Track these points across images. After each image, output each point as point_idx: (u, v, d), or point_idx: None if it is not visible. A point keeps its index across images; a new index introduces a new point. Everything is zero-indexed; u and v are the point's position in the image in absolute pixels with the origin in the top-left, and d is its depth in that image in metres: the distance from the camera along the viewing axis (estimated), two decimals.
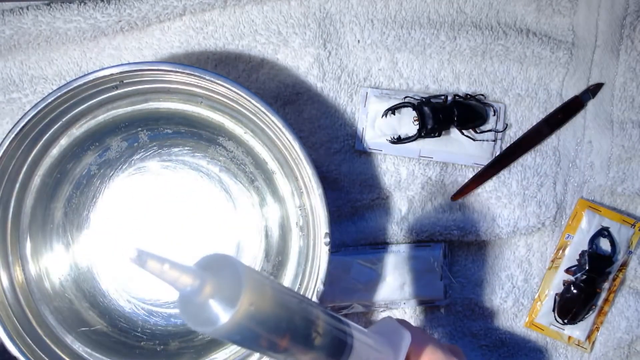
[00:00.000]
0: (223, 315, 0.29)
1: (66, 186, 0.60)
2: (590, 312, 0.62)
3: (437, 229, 0.62)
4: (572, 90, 0.63)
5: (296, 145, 0.54)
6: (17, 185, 0.57)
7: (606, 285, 0.62)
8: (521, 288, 0.64)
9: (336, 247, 0.63)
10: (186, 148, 0.61)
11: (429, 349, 0.42)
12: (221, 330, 0.29)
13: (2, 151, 0.53)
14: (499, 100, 0.63)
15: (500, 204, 0.63)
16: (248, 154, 0.61)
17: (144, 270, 0.28)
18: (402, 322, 0.44)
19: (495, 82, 0.63)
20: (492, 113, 0.63)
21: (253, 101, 0.54)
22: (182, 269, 0.29)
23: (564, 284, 0.62)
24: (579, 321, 0.62)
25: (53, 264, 0.60)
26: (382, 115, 0.61)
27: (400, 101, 0.61)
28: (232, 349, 0.58)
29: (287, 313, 0.33)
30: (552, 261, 0.63)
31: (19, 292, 0.57)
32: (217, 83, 0.54)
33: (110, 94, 0.57)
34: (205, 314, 0.29)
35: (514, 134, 0.63)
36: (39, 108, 0.53)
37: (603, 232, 0.62)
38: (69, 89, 0.53)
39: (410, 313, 0.64)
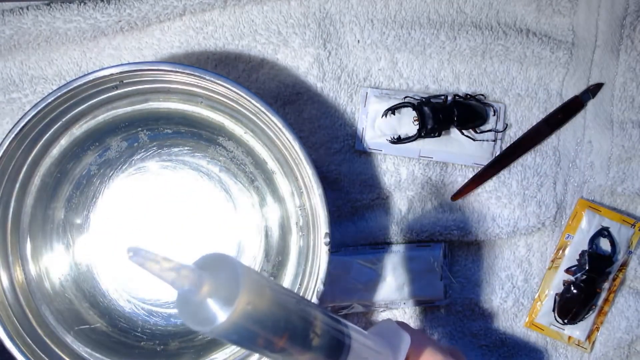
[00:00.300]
0: (221, 314, 0.29)
1: (66, 186, 0.60)
2: (590, 312, 0.62)
3: (437, 229, 0.62)
4: (572, 90, 0.63)
5: (296, 145, 0.54)
6: (17, 185, 0.57)
7: (606, 285, 0.62)
8: (521, 288, 0.64)
9: (336, 247, 0.63)
10: (186, 148, 0.61)
11: (428, 351, 0.42)
12: (219, 329, 0.29)
13: (2, 151, 0.53)
14: (499, 100, 0.63)
15: (500, 204, 0.63)
16: (248, 154, 0.61)
17: (143, 270, 0.29)
18: (402, 324, 0.44)
19: (495, 82, 0.63)
20: (492, 113, 0.63)
21: (253, 101, 0.54)
22: (181, 268, 0.29)
23: (564, 284, 0.62)
24: (579, 321, 0.62)
25: (53, 264, 0.60)
26: (382, 115, 0.61)
27: (400, 101, 0.61)
28: (232, 349, 0.58)
29: (285, 313, 0.33)
30: (552, 261, 0.63)
31: (19, 292, 0.57)
32: (217, 83, 0.54)
33: (110, 94, 0.57)
34: (203, 313, 0.29)
35: (514, 134, 0.63)
36: (39, 108, 0.53)
37: (603, 232, 0.62)
38: (69, 89, 0.53)
39: (410, 313, 0.64)
